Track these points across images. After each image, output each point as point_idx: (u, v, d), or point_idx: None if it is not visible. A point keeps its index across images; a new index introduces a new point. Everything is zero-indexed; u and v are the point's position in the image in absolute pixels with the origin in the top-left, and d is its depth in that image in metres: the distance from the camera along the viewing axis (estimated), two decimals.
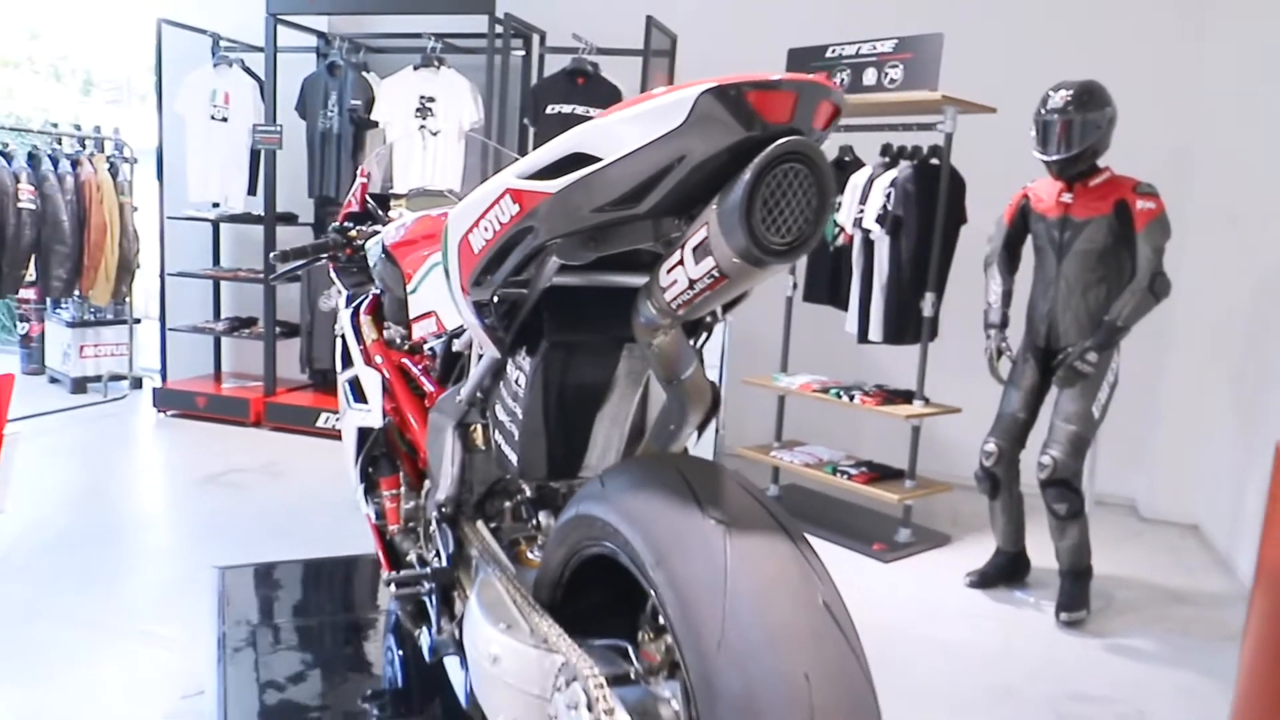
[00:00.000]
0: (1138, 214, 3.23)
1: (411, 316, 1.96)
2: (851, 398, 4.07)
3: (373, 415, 2.06)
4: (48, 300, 6.05)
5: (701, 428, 1.42)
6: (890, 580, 3.73)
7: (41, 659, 2.70)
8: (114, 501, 4.32)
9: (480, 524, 1.70)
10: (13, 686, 2.54)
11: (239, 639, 2.47)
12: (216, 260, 5.90)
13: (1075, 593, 3.42)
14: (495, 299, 1.37)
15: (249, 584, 2.90)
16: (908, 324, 3.98)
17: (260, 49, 5.32)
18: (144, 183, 5.95)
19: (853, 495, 4.27)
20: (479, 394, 1.68)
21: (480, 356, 1.65)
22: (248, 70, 5.46)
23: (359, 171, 2.64)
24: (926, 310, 3.89)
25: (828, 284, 4.33)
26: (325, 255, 2.38)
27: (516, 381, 1.51)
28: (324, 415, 5.34)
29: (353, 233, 2.38)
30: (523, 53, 5.30)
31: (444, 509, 1.68)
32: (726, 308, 1.43)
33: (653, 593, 1.08)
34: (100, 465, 4.88)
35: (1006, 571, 3.69)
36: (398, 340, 2.16)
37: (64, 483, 4.46)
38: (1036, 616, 3.45)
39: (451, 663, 1.70)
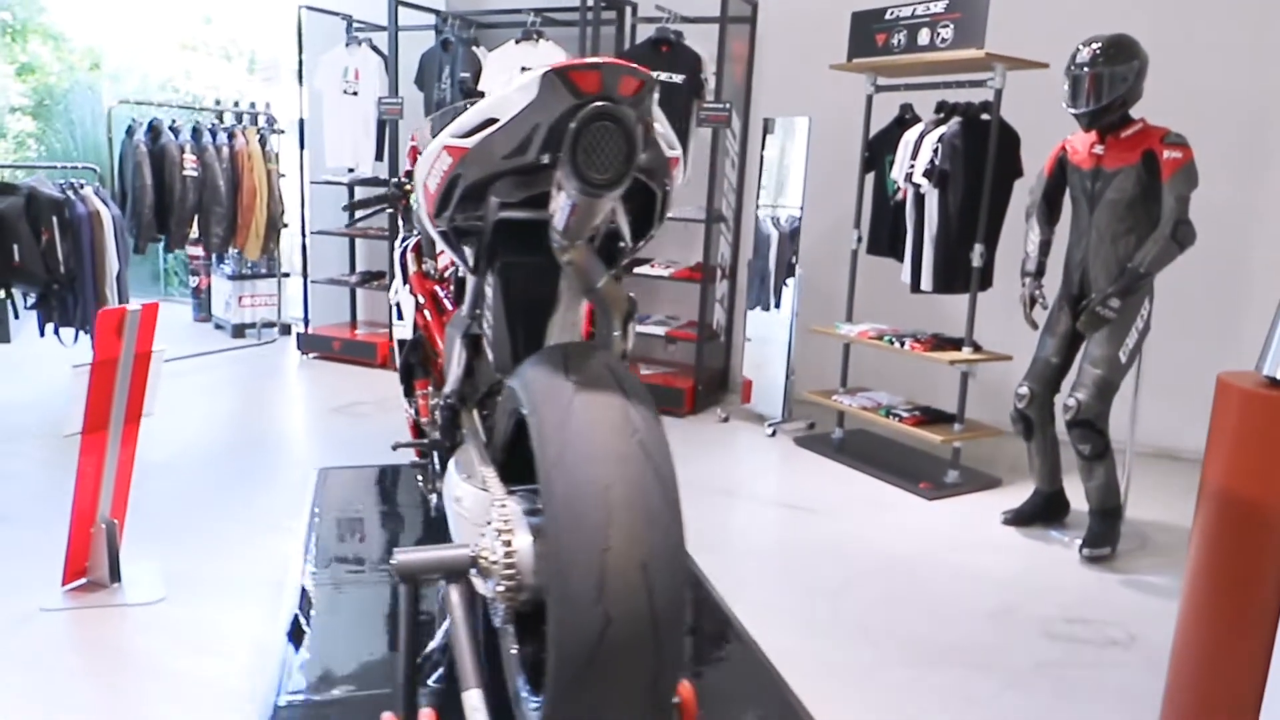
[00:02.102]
0: (1164, 163, 3.31)
1: (436, 251, 2.40)
2: (903, 344, 4.29)
3: (406, 329, 2.53)
4: (213, 256, 6.93)
5: (625, 329, 1.77)
6: (930, 515, 3.96)
7: (191, 541, 3.36)
8: (260, 424, 5.07)
9: (475, 411, 2.13)
10: (166, 560, 3.18)
11: (329, 518, 3.07)
12: (351, 220, 6.60)
13: (1101, 530, 3.56)
14: (458, 228, 1.77)
15: (343, 481, 3.50)
16: (957, 274, 4.15)
17: (399, 29, 5.91)
18: (289, 151, 6.72)
19: (910, 439, 4.49)
20: (476, 310, 2.10)
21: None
22: (374, 48, 6.07)
23: (411, 135, 3.10)
24: (975, 261, 4.05)
25: (888, 237, 4.53)
26: (386, 205, 2.86)
27: (489, 297, 1.92)
28: None
29: (407, 186, 2.84)
30: (615, 24, 5.66)
31: (448, 399, 2.12)
32: (636, 235, 1.79)
33: (533, 434, 1.47)
34: (251, 396, 5.68)
35: (1043, 511, 3.85)
36: (431, 271, 2.62)
37: (221, 409, 5.26)
38: (1062, 552, 3.61)
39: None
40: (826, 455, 4.63)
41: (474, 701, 1.43)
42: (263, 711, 1.89)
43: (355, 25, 6.17)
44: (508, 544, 1.48)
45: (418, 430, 2.62)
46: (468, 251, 1.86)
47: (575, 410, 1.39)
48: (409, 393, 2.63)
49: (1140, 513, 3.96)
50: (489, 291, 1.91)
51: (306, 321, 6.52)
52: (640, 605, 1.29)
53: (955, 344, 4.23)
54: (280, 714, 1.86)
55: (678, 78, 5.19)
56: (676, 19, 5.26)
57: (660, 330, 5.51)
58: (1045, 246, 3.77)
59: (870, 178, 4.65)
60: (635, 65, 1.41)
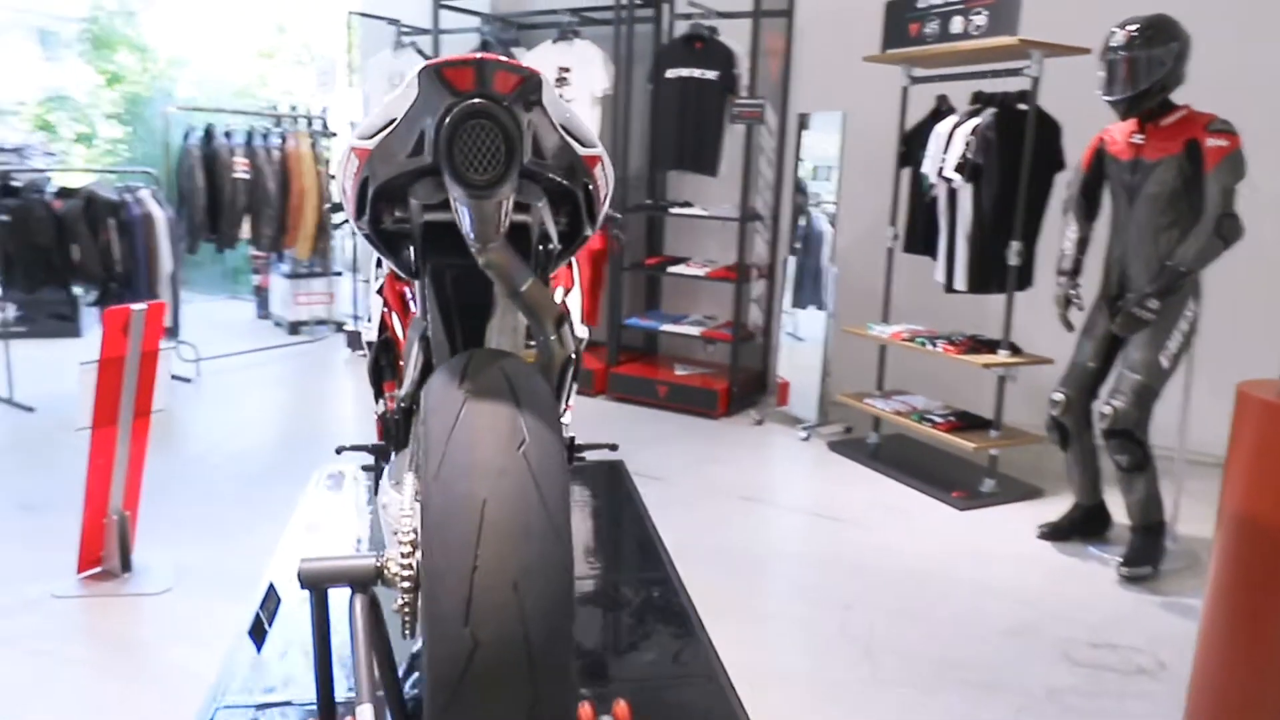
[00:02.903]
0: (1208, 151, 3.09)
1: None
2: (935, 346, 4.12)
3: (372, 331, 2.51)
4: (273, 257, 7.11)
5: (559, 333, 1.71)
6: (960, 526, 3.79)
7: (213, 533, 3.44)
8: (302, 420, 5.20)
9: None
10: (184, 552, 3.24)
11: None
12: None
13: (1142, 548, 3.35)
14: (388, 231, 1.72)
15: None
16: (992, 273, 3.96)
17: (440, 31, 5.96)
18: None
19: (949, 445, 4.31)
20: (425, 314, 2.06)
21: None
22: (420, 52, 6.13)
23: None
24: (1012, 259, 3.86)
25: (924, 235, 4.35)
26: None
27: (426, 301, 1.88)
28: None
29: None
30: (651, 23, 5.59)
31: (402, 403, 2.09)
32: (566, 240, 1.72)
33: (421, 445, 1.42)
34: (296, 392, 5.82)
35: (1082, 525, 3.65)
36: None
37: (266, 404, 5.41)
38: (1099, 570, 3.41)
39: None
40: (859, 461, 4.48)
41: (365, 716, 1.39)
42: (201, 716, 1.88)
43: (403, 29, 6.24)
44: (407, 556, 1.43)
45: (384, 432, 2.60)
46: (412, 254, 1.82)
47: (460, 421, 1.33)
48: (378, 395, 2.61)
49: (1192, 529, 3.70)
50: (428, 295, 1.86)
51: (356, 319, 6.64)
52: (510, 628, 1.22)
53: (993, 346, 4.04)
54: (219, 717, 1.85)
55: (711, 74, 5.09)
56: (711, 15, 5.16)
57: (695, 330, 5.42)
58: (1083, 244, 3.56)
59: (907, 173, 4.47)
60: (514, 61, 1.34)
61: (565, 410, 2.10)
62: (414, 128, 1.39)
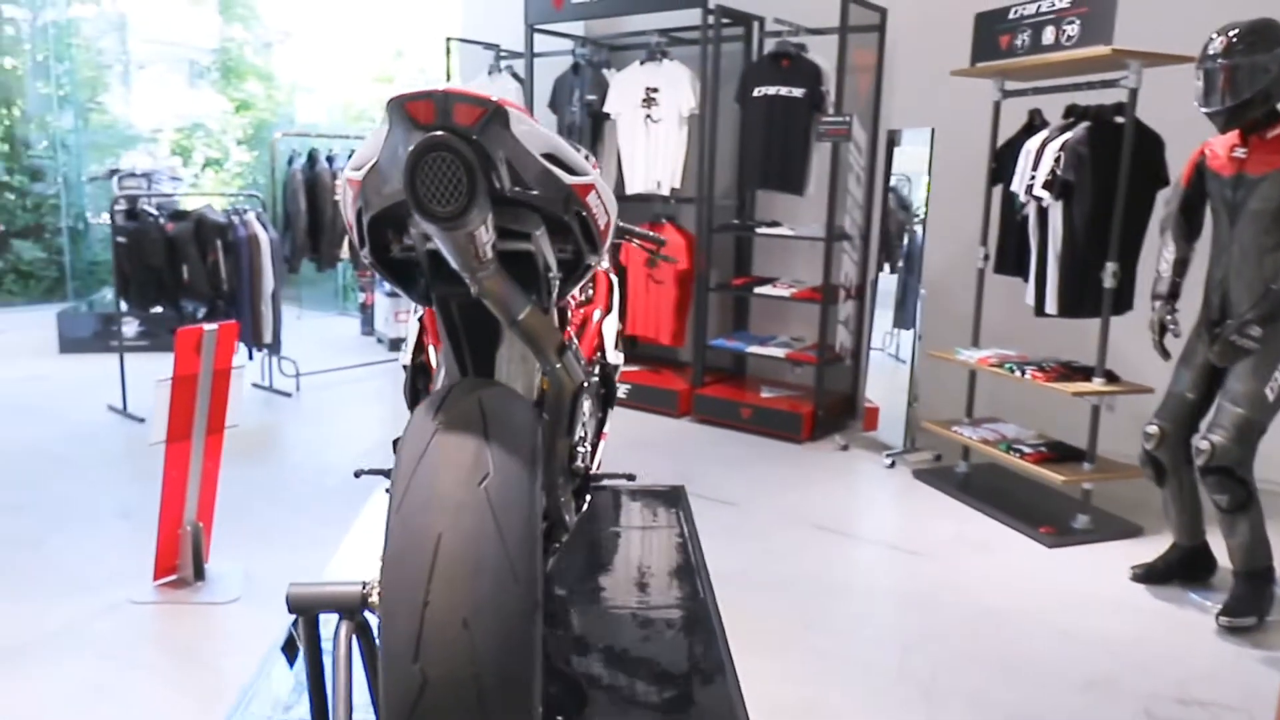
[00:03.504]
0: None
1: None
2: (1023, 373, 3.90)
3: (407, 355, 2.52)
4: (375, 275, 7.35)
5: (561, 361, 1.68)
6: (1047, 564, 3.57)
7: (290, 544, 3.55)
8: (397, 430, 5.29)
9: None
10: (259, 562, 3.36)
11: None
12: None
13: (1245, 595, 3.08)
14: (396, 259, 1.72)
15: None
16: (1085, 295, 3.73)
17: (534, 55, 6.06)
18: None
19: (1041, 477, 4.07)
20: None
21: None
22: (515, 76, 6.25)
23: None
24: (1107, 281, 3.63)
25: (1016, 255, 4.14)
26: None
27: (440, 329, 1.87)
28: None
29: None
30: (740, 41, 5.54)
31: None
32: (568, 270, 1.69)
33: (392, 477, 1.41)
34: (394, 405, 5.96)
35: (1181, 568, 3.38)
36: None
37: (361, 418, 5.56)
38: (1196, 618, 3.14)
39: None
40: (945, 491, 4.28)
41: None
42: None
43: (501, 54, 6.38)
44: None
45: None
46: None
47: (426, 453, 1.32)
48: None
49: None
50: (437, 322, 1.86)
51: None
52: (459, 666, 1.20)
53: (1088, 374, 3.80)
54: None
55: (797, 92, 5.00)
56: (800, 31, 5.07)
57: (780, 352, 5.31)
58: (1181, 265, 3.31)
59: (999, 191, 4.27)
60: (476, 93, 1.33)
61: (582, 438, 2.06)
62: (391, 160, 1.40)
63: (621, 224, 2.73)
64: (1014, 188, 3.93)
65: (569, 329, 2.31)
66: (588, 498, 2.19)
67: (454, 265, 1.45)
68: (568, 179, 1.46)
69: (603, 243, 1.68)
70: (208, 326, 2.92)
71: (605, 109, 5.68)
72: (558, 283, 1.67)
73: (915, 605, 3.21)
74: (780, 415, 5.10)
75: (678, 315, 5.76)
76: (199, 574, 3.19)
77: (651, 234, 2.74)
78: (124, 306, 5.55)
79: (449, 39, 6.41)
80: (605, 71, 5.79)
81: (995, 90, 4.19)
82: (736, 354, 5.72)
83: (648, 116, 5.51)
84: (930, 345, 4.58)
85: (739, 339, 5.64)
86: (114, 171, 6.51)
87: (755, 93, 5.16)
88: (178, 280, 5.32)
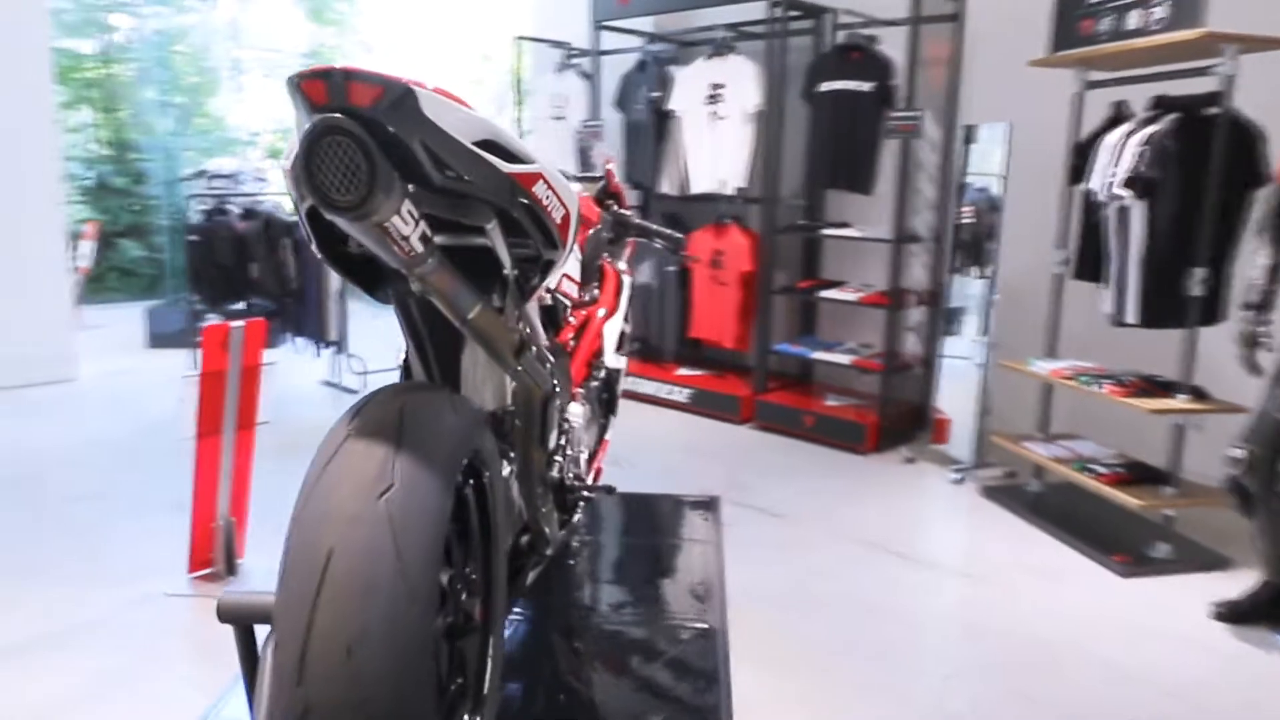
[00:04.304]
0: None
1: None
2: (1099, 386, 3.60)
3: (400, 356, 2.44)
4: None
5: (517, 362, 1.56)
6: (1117, 595, 3.28)
7: None
8: None
9: None
10: None
11: None
12: None
13: None
14: (349, 254, 1.63)
15: None
16: (1169, 304, 3.42)
17: (604, 52, 5.99)
18: None
19: (1118, 500, 3.76)
20: None
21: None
22: (582, 74, 6.18)
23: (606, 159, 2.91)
24: (1194, 288, 3.32)
25: (1096, 259, 3.83)
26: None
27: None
28: (628, 378, 5.91)
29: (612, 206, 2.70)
30: (810, 35, 5.33)
31: None
32: (532, 266, 1.57)
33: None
34: None
35: (1269, 608, 3.05)
36: None
37: None
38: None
39: None
40: (1014, 511, 4.00)
41: None
42: None
43: (570, 51, 6.32)
44: None
45: None
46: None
47: (331, 462, 1.23)
48: None
49: None
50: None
51: None
52: (343, 693, 1.10)
53: (1172, 389, 3.49)
54: None
55: (866, 86, 4.77)
56: (872, 23, 4.85)
57: (846, 359, 5.08)
58: (1276, 272, 2.99)
59: (1080, 190, 3.96)
60: (376, 71, 1.21)
61: (560, 446, 1.94)
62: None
63: (641, 222, 2.61)
64: (1092, 185, 3.64)
65: (567, 330, 2.20)
66: (579, 510, 2.08)
67: (385, 260, 1.35)
68: (506, 167, 1.35)
69: (563, 237, 1.56)
70: (234, 323, 2.92)
71: (669, 106, 5.55)
72: (514, 279, 1.56)
73: (965, 634, 2.99)
74: (843, 425, 4.88)
75: (741, 318, 5.59)
76: (231, 568, 3.20)
77: (670, 232, 2.61)
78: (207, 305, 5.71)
79: (518, 38, 6.39)
80: (671, 68, 5.66)
81: (1077, 81, 3.90)
82: (803, 360, 5.51)
83: (713, 114, 5.36)
84: (1003, 355, 4.30)
85: (805, 344, 5.44)
86: (201, 172, 6.70)
87: (822, 87, 4.95)
88: (246, 278, 5.43)
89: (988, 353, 4.36)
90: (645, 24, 6.05)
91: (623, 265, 2.62)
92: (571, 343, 2.22)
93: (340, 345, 5.73)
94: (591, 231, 2.32)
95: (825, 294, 5.18)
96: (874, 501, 4.17)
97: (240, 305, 5.55)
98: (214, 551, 3.20)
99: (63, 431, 4.97)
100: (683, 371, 5.86)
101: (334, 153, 1.17)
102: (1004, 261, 4.31)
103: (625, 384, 5.72)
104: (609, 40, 5.99)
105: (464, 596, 1.44)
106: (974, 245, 4.54)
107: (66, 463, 4.48)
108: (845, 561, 3.52)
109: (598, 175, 2.63)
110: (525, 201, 1.41)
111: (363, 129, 1.17)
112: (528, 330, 1.70)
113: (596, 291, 2.41)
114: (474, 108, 1.32)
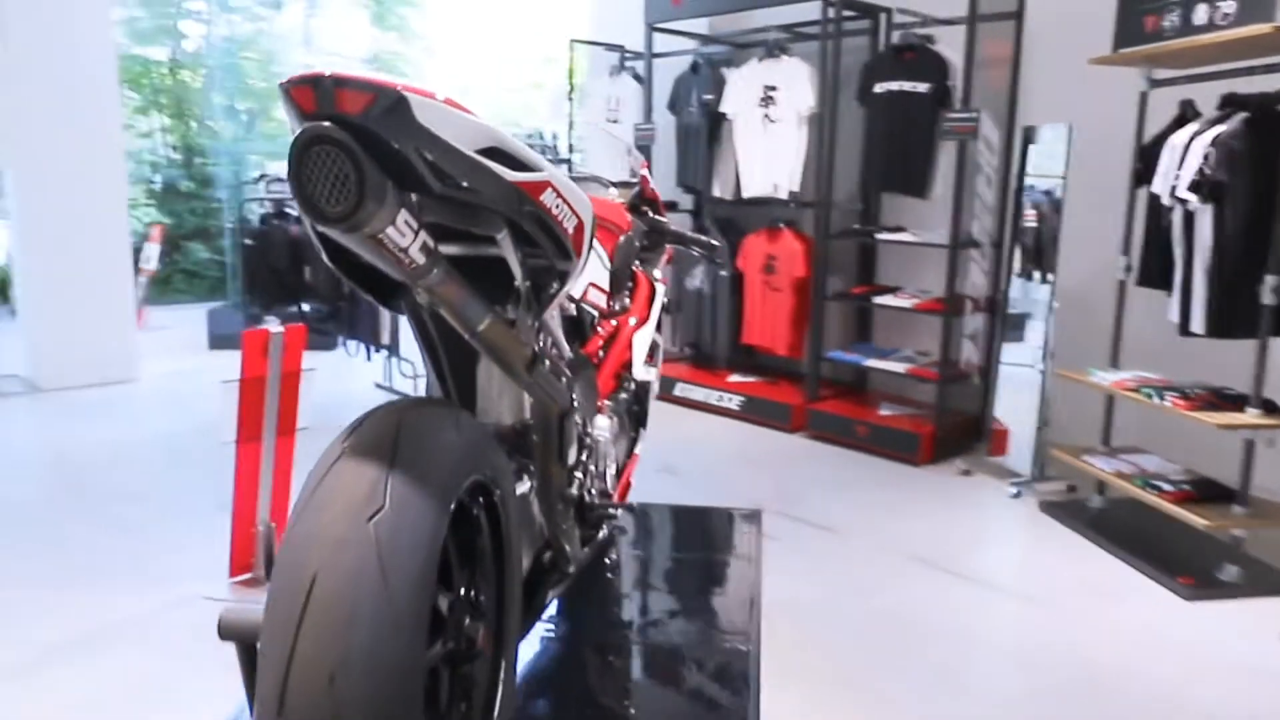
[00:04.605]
0: None
1: None
2: (1163, 398, 3.43)
3: None
4: None
5: (530, 376, 1.51)
6: (1183, 621, 3.11)
7: None
8: None
9: None
10: None
11: None
12: None
13: None
14: (355, 263, 1.59)
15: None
16: (1238, 313, 3.24)
17: (657, 55, 5.94)
18: None
19: (1184, 519, 3.58)
20: None
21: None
22: (636, 77, 6.14)
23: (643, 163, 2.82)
24: (1266, 297, 3.13)
25: (1161, 265, 3.65)
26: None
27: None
28: (680, 385, 5.85)
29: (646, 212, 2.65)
30: (866, 35, 5.21)
31: None
32: (551, 277, 1.53)
33: None
34: None
35: None
36: None
37: None
38: None
39: None
40: (1074, 528, 3.84)
41: None
42: None
43: (626, 54, 6.29)
44: None
45: None
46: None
47: (322, 482, 1.20)
48: None
49: None
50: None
51: None
52: None
53: (1242, 402, 3.31)
54: None
55: (921, 87, 4.63)
56: (929, 22, 4.71)
57: (900, 367, 4.95)
58: None
59: (1144, 193, 3.79)
60: (367, 76, 1.17)
61: (581, 462, 1.89)
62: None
63: (677, 229, 2.55)
64: (1156, 189, 3.47)
65: (595, 340, 2.15)
66: (604, 527, 2.03)
67: (387, 272, 1.32)
68: (511, 175, 1.30)
69: (576, 247, 1.51)
70: (274, 329, 2.94)
71: (722, 109, 5.47)
72: (526, 290, 1.51)
73: (1016, 658, 2.86)
74: (897, 435, 4.75)
75: (795, 325, 5.49)
76: (270, 573, 3.21)
77: (706, 239, 2.54)
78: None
79: (572, 41, 6.37)
80: (724, 70, 5.58)
81: (1141, 79, 3.73)
82: (858, 368, 5.38)
83: (765, 116, 5.27)
84: (1064, 364, 4.14)
85: (859, 351, 5.31)
86: (261, 176, 6.82)
87: (876, 89, 4.83)
88: (300, 281, 5.50)
89: (1047, 362, 4.20)
90: (699, 26, 5.98)
91: (658, 274, 2.56)
92: (600, 354, 2.17)
93: (393, 349, 5.77)
94: (622, 239, 2.27)
95: (879, 300, 5.05)
96: (927, 515, 4.04)
97: (294, 309, 5.62)
98: (254, 556, 3.22)
99: (118, 431, 5.08)
100: (735, 378, 5.78)
101: (322, 162, 1.14)
102: (1065, 267, 4.14)
103: (682, 390, 5.67)
104: (662, 42, 5.93)
105: (467, 621, 1.40)
106: (1037, 250, 4.38)
107: (118, 462, 4.58)
108: (894, 578, 3.41)
109: (633, 180, 2.57)
110: (533, 210, 1.37)
111: (352, 137, 1.13)
112: (545, 342, 1.66)
113: (628, 301, 2.36)
114: (476, 114, 1.28)
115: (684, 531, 3.02)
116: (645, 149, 5.98)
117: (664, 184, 6.08)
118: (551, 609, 2.37)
